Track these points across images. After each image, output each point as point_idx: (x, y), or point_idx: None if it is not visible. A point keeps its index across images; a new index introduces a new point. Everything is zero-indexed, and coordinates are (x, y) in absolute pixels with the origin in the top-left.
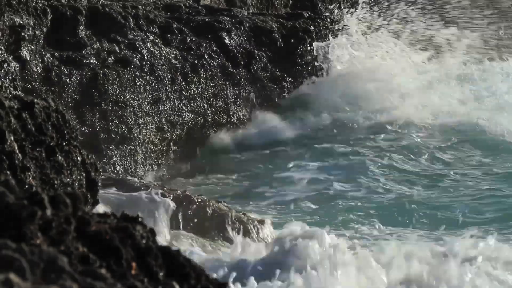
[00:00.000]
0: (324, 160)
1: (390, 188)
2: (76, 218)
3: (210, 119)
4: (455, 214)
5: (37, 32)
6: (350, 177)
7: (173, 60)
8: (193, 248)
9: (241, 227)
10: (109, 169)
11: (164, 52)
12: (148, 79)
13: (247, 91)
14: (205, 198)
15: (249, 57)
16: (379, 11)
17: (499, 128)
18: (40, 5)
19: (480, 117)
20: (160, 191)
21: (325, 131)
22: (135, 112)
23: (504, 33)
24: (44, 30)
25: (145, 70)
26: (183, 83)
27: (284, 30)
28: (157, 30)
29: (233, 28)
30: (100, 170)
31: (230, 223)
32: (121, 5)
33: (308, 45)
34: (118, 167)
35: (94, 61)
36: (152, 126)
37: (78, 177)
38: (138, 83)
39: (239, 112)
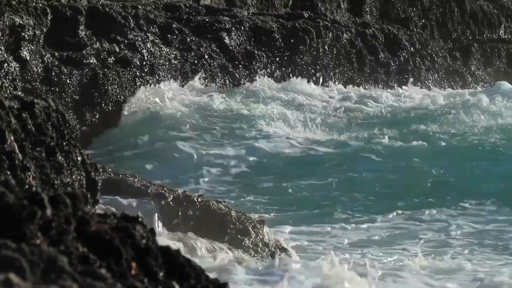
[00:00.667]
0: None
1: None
2: (76, 218)
3: None
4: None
5: (37, 32)
6: None
7: (173, 60)
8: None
9: (241, 227)
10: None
11: (164, 52)
12: (148, 79)
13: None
14: (205, 198)
15: (249, 57)
16: None
17: None
18: (40, 5)
19: None
20: (160, 191)
21: None
22: None
23: None
24: (44, 30)
25: (145, 70)
26: (183, 83)
27: (284, 30)
28: (157, 30)
29: (233, 28)
30: (100, 170)
31: (230, 223)
32: (121, 5)
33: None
34: None
35: (94, 61)
36: None
37: (78, 177)
38: (138, 83)
39: None
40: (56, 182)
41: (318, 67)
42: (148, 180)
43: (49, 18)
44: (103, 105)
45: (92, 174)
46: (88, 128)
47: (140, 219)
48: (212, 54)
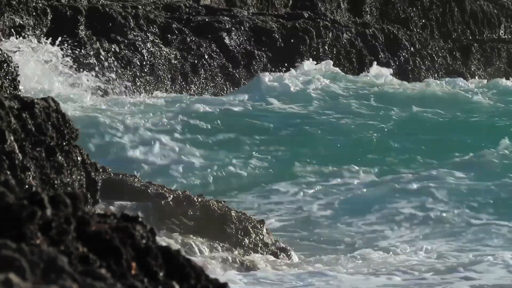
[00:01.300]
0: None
1: None
2: (76, 218)
3: None
4: None
5: (37, 32)
6: None
7: (173, 60)
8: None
9: (241, 227)
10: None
11: (164, 52)
12: (148, 79)
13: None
14: (205, 198)
15: (249, 57)
16: None
17: None
18: (40, 5)
19: None
20: (160, 191)
21: None
22: None
23: None
24: (44, 30)
25: (145, 70)
26: (183, 83)
27: (284, 30)
28: (157, 30)
29: (233, 28)
30: (100, 170)
31: (230, 223)
32: (121, 5)
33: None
34: None
35: (94, 61)
36: None
37: (78, 177)
38: (138, 83)
39: None
40: (56, 182)
41: None
42: (148, 181)
43: (49, 18)
44: None
45: (92, 174)
46: None
47: (140, 219)
48: (212, 54)
